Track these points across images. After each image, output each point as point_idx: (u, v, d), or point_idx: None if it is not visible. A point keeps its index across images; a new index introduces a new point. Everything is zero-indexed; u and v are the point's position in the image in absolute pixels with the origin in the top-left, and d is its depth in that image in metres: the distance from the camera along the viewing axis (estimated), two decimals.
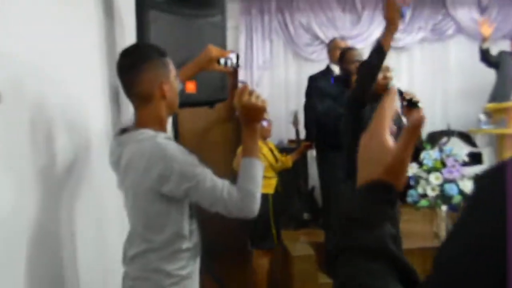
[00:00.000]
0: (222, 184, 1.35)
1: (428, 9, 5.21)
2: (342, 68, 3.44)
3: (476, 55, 5.32)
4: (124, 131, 1.47)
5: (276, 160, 3.61)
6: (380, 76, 2.52)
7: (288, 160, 3.80)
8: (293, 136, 4.64)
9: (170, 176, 1.31)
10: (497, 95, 4.29)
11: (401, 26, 5.16)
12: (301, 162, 4.38)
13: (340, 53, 3.51)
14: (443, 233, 3.37)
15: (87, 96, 1.99)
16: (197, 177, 1.32)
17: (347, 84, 3.22)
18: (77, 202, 1.74)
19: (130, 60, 1.43)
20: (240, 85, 1.41)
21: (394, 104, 0.64)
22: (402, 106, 2.26)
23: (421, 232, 3.54)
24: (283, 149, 4.28)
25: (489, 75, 5.27)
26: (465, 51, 5.32)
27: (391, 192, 0.60)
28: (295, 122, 4.41)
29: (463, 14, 5.21)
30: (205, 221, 1.67)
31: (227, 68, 1.99)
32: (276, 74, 5.21)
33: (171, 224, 1.37)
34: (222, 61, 1.97)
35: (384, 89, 2.37)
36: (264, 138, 3.64)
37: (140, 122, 1.44)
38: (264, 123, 3.69)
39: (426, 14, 5.21)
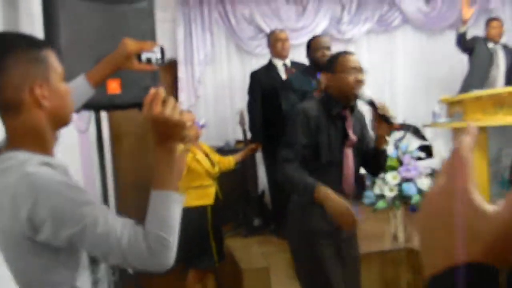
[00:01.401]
0: (122, 228, 0.99)
1: (374, 0, 5.04)
2: (309, 58, 3.24)
3: (422, 45, 5.25)
4: None
5: (213, 164, 3.24)
6: (351, 78, 2.18)
7: (230, 161, 3.46)
8: (240, 136, 4.32)
9: (44, 220, 0.94)
10: (470, 83, 4.15)
11: (346, 18, 5.01)
12: (250, 165, 4.06)
13: (307, 43, 3.31)
14: (401, 235, 3.18)
15: None
16: (84, 220, 0.97)
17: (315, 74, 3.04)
18: None
19: None
20: (153, 89, 1.01)
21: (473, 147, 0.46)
22: (374, 119, 1.99)
23: (378, 234, 3.33)
24: (230, 151, 3.95)
25: (438, 66, 5.21)
26: (412, 42, 5.22)
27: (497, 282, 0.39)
28: (242, 122, 4.09)
29: (409, 4, 5.08)
30: None
31: (150, 65, 1.62)
32: (219, 69, 4.85)
33: (60, 280, 0.99)
34: (143, 57, 1.60)
35: (354, 93, 2.00)
36: (196, 138, 3.24)
37: (11, 141, 1.05)
38: (198, 124, 3.31)
39: (372, 5, 5.04)
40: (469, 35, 4.38)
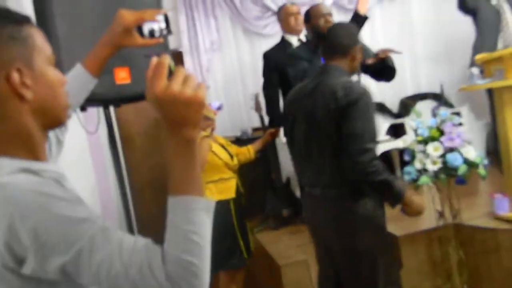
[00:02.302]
0: (131, 252, 0.73)
1: None
2: (311, 28, 2.96)
3: (440, 8, 4.92)
4: None
5: (231, 156, 3.00)
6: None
7: (250, 151, 3.22)
8: (256, 123, 4.06)
9: (26, 247, 0.70)
10: (482, 45, 3.86)
11: None
12: (271, 152, 3.81)
13: (305, 13, 3.02)
14: (447, 210, 2.91)
15: None
16: (77, 244, 0.71)
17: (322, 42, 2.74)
18: None
19: None
20: (155, 59, 0.72)
21: None
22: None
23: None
24: (248, 141, 3.70)
25: (456, 29, 4.89)
26: (427, 6, 4.90)
27: None
28: (257, 107, 3.83)
29: None
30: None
31: (155, 39, 1.37)
32: (228, 55, 4.58)
33: None
34: (145, 28, 1.34)
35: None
36: (212, 129, 2.99)
37: None
38: (214, 106, 3.05)
39: None
40: None
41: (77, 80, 1.32)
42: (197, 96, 0.79)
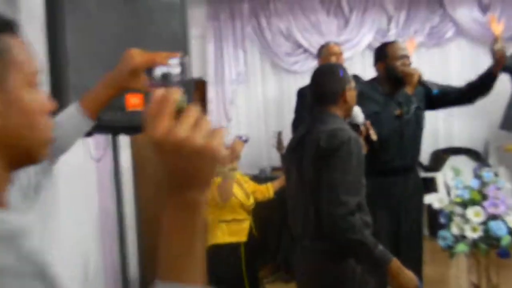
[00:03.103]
0: None
1: (424, 10, 4.53)
2: (385, 68, 2.61)
3: (480, 60, 4.67)
4: None
5: (247, 196, 2.78)
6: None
7: (268, 189, 3.01)
8: (277, 162, 3.82)
9: None
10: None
11: (394, 30, 4.50)
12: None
13: (379, 49, 2.72)
14: (484, 286, 2.57)
15: None
16: None
17: (397, 86, 2.55)
18: None
19: None
20: (160, 91, 0.45)
21: None
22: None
23: (455, 284, 2.73)
24: (265, 180, 3.45)
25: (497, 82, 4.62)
26: (468, 57, 4.66)
27: None
28: (279, 146, 3.61)
29: (464, 15, 4.56)
30: None
31: (166, 84, 1.15)
32: (253, 89, 4.40)
33: None
34: (157, 72, 1.13)
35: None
36: (237, 158, 2.81)
37: None
38: (242, 138, 2.88)
39: (422, 16, 4.53)
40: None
41: (71, 121, 1.16)
42: (210, 146, 0.57)
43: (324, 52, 3.41)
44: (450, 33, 4.61)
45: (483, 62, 4.65)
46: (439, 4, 4.56)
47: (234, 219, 2.72)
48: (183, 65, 1.16)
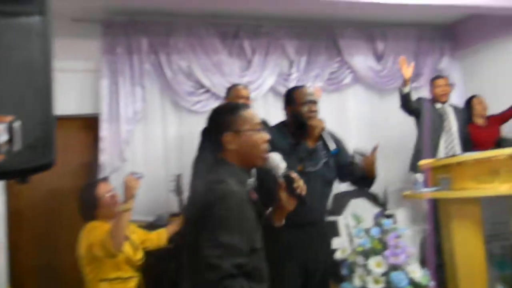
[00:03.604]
0: None
1: (324, 56, 4.65)
2: (291, 113, 2.52)
3: (376, 106, 4.89)
4: None
5: (136, 249, 2.48)
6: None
7: (161, 236, 2.76)
8: (175, 208, 3.53)
9: None
10: (422, 148, 3.74)
11: (295, 74, 4.54)
12: None
13: (286, 94, 2.61)
14: None
15: None
16: None
17: (302, 134, 2.47)
18: None
19: None
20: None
21: None
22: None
23: None
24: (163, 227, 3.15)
25: (392, 128, 4.84)
26: (364, 102, 4.84)
27: None
28: (179, 190, 3.35)
29: (360, 62, 4.75)
30: None
31: None
32: (152, 128, 4.11)
33: None
34: None
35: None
36: (131, 197, 2.47)
37: None
38: (136, 175, 2.58)
39: (322, 62, 4.64)
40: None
41: None
42: None
43: (231, 93, 3.27)
44: (348, 79, 4.77)
45: (378, 107, 4.89)
46: (337, 51, 4.72)
47: (119, 277, 2.38)
48: (11, 131, 0.88)
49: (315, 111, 2.53)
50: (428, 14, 4.64)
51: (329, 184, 2.58)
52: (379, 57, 4.87)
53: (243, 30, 4.40)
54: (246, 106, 1.76)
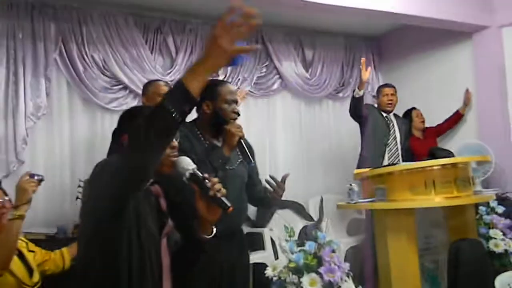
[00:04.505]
0: None
1: (252, 59, 4.44)
2: (210, 111, 2.17)
3: (304, 114, 4.77)
4: None
5: (30, 271, 2.08)
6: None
7: (64, 256, 2.37)
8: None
9: None
10: (367, 156, 3.61)
11: (221, 76, 4.26)
12: None
13: (207, 87, 2.24)
14: None
15: None
16: None
17: (218, 137, 2.19)
18: None
19: None
20: None
21: None
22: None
23: None
24: (67, 241, 2.72)
25: (319, 136, 4.75)
26: (292, 109, 4.70)
27: None
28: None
29: (288, 68, 4.61)
30: None
31: None
32: (57, 127, 3.60)
33: None
34: None
35: None
36: (27, 202, 2.09)
37: None
38: (35, 176, 2.17)
39: (250, 65, 4.42)
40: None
41: None
42: None
43: (150, 90, 2.91)
44: (276, 85, 4.60)
45: (305, 115, 4.77)
46: (265, 55, 4.53)
47: None
48: None
49: (238, 114, 2.23)
50: (356, 24, 4.63)
51: (243, 188, 2.31)
52: (307, 65, 4.76)
53: (167, 25, 4.06)
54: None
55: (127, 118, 1.51)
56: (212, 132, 2.21)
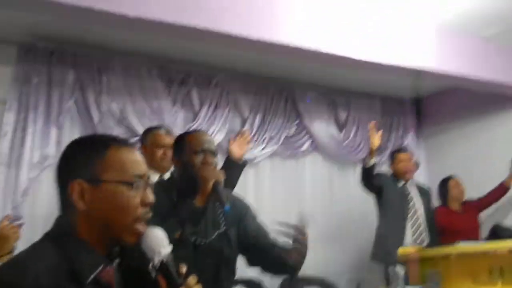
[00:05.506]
0: None
1: (281, 117, 4.12)
2: (180, 166, 1.84)
3: (335, 179, 4.35)
4: None
5: None
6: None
7: None
8: None
9: None
10: (386, 233, 3.15)
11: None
12: None
13: (176, 141, 1.91)
14: None
15: None
16: None
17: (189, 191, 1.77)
18: None
19: None
20: None
21: None
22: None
23: None
24: None
25: (352, 204, 4.28)
26: (322, 173, 4.29)
27: None
28: None
29: (320, 129, 4.26)
30: None
31: None
32: None
33: None
34: None
35: None
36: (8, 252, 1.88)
37: None
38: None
39: (278, 123, 4.10)
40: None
41: None
42: None
43: (149, 139, 2.59)
44: (305, 146, 4.24)
45: (337, 179, 4.35)
46: (296, 114, 4.21)
47: None
48: None
49: (211, 164, 1.83)
50: (393, 87, 4.31)
51: (228, 264, 1.82)
52: (341, 126, 4.41)
53: (192, 77, 3.82)
54: (124, 142, 1.03)
55: None
56: (185, 188, 1.81)
